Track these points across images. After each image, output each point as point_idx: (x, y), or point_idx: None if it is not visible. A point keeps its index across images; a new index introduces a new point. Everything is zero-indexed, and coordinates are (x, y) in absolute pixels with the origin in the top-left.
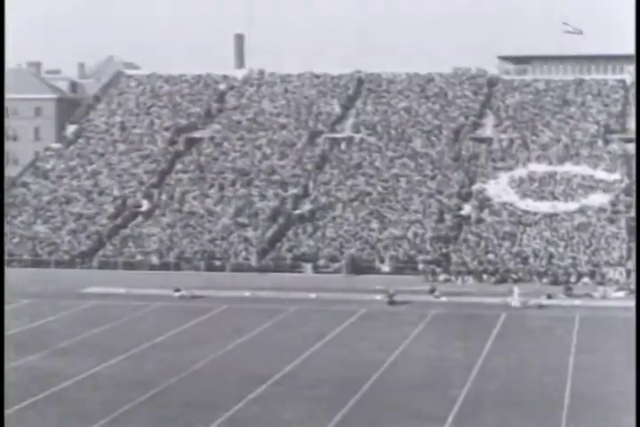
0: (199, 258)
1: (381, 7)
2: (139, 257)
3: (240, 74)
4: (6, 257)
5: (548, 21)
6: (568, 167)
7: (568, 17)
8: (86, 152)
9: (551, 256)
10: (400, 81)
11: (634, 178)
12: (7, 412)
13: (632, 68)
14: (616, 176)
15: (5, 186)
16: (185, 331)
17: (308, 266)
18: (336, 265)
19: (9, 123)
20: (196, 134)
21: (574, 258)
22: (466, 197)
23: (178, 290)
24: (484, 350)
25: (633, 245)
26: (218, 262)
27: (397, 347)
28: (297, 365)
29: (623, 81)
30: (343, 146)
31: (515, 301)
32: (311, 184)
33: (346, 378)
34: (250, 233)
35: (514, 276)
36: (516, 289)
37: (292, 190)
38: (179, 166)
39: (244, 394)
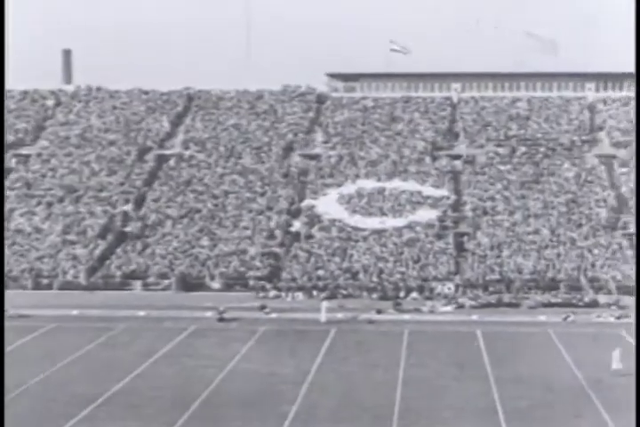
0: (26, 276)
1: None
2: None
3: (68, 89)
4: None
5: (375, 39)
6: (396, 183)
7: (395, 35)
8: None
9: (380, 271)
10: (229, 98)
11: (461, 194)
12: None
13: (458, 85)
14: (443, 192)
15: None
16: (11, 351)
17: (138, 283)
18: (166, 282)
19: None
20: (24, 151)
21: (403, 273)
22: (295, 214)
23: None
24: (314, 366)
25: (460, 260)
26: (46, 281)
27: (228, 364)
28: (126, 383)
29: (450, 98)
30: (172, 162)
31: (322, 316)
32: (140, 201)
33: (176, 396)
34: (78, 251)
35: (343, 291)
36: (324, 304)
37: (121, 207)
38: (5, 183)
39: (72, 414)
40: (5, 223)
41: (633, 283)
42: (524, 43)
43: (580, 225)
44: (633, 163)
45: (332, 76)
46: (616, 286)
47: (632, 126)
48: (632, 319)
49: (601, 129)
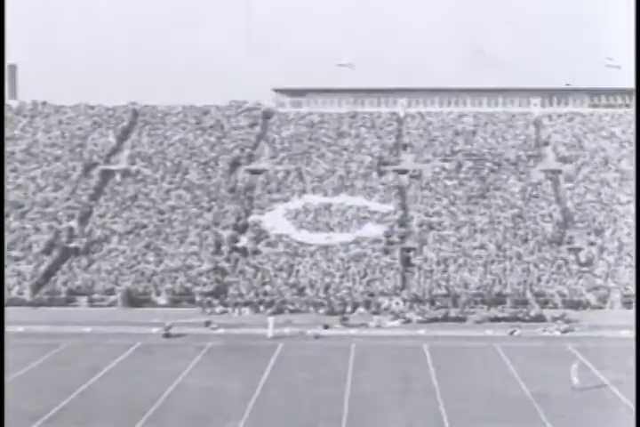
0: None
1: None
2: None
3: (13, 104)
4: None
5: (323, 54)
6: (343, 198)
7: (342, 50)
8: None
9: (327, 287)
10: (176, 113)
11: (407, 209)
12: None
13: (404, 100)
14: (390, 207)
15: None
16: None
17: (83, 299)
18: (112, 298)
19: None
20: None
21: (350, 288)
22: (242, 229)
23: None
24: (261, 382)
25: (407, 275)
26: None
27: (174, 380)
28: (72, 400)
29: (396, 113)
30: (118, 178)
31: (269, 331)
32: (86, 217)
33: (122, 413)
34: (23, 267)
35: (290, 307)
36: (271, 319)
37: (67, 223)
38: None
39: None
40: None
41: (578, 297)
42: (470, 58)
43: (525, 240)
44: (578, 178)
45: (279, 91)
46: (562, 300)
47: (577, 141)
48: (578, 333)
49: (546, 144)
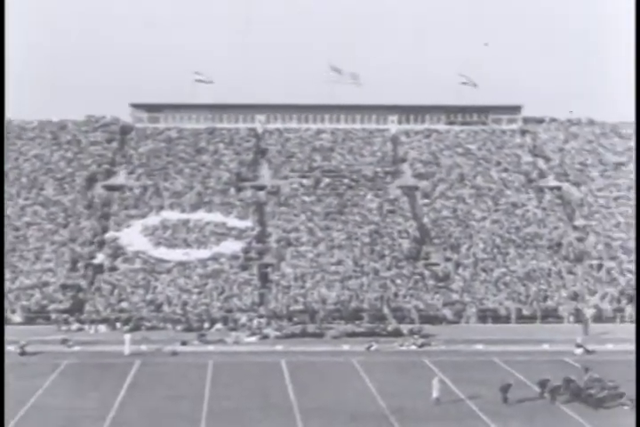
0: None
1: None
2: None
3: None
4: None
5: (181, 69)
6: (201, 215)
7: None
8: None
9: (185, 303)
10: (32, 128)
11: (265, 225)
12: None
13: (262, 117)
14: (248, 223)
15: None
16: None
17: None
18: None
19: None
20: None
21: (207, 304)
22: (99, 246)
23: None
24: (118, 399)
25: (264, 291)
26: None
27: (29, 399)
28: None
29: (254, 130)
30: None
31: (126, 348)
32: None
33: None
34: None
35: (147, 323)
36: (127, 336)
37: None
38: None
39: None
40: None
41: (434, 312)
42: (327, 75)
43: (382, 256)
44: (434, 194)
45: (136, 106)
46: (418, 315)
47: (433, 158)
48: (434, 348)
49: (403, 161)
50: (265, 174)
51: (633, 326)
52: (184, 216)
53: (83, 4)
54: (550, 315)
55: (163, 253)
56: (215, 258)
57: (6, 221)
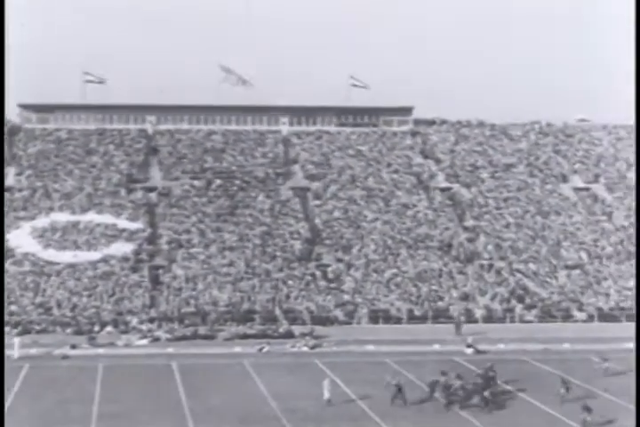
0: None
1: None
2: None
3: None
4: None
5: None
6: (91, 216)
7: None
8: None
9: (75, 306)
10: None
11: (156, 227)
12: None
13: (153, 118)
14: (139, 225)
15: None
16: None
17: None
18: None
19: None
20: None
21: (98, 307)
22: None
23: None
24: (7, 404)
25: (155, 293)
26: None
27: None
28: None
29: (145, 131)
30: None
31: (15, 352)
32: None
33: None
34: None
35: (37, 326)
36: (17, 340)
37: None
38: None
39: None
40: None
41: (326, 313)
42: (219, 76)
43: (274, 257)
44: (326, 195)
45: (25, 106)
46: (310, 316)
47: (325, 160)
48: (326, 349)
49: (295, 162)
50: (156, 176)
51: (523, 326)
52: (74, 218)
53: None
54: (441, 315)
55: (52, 255)
56: (105, 260)
57: None
